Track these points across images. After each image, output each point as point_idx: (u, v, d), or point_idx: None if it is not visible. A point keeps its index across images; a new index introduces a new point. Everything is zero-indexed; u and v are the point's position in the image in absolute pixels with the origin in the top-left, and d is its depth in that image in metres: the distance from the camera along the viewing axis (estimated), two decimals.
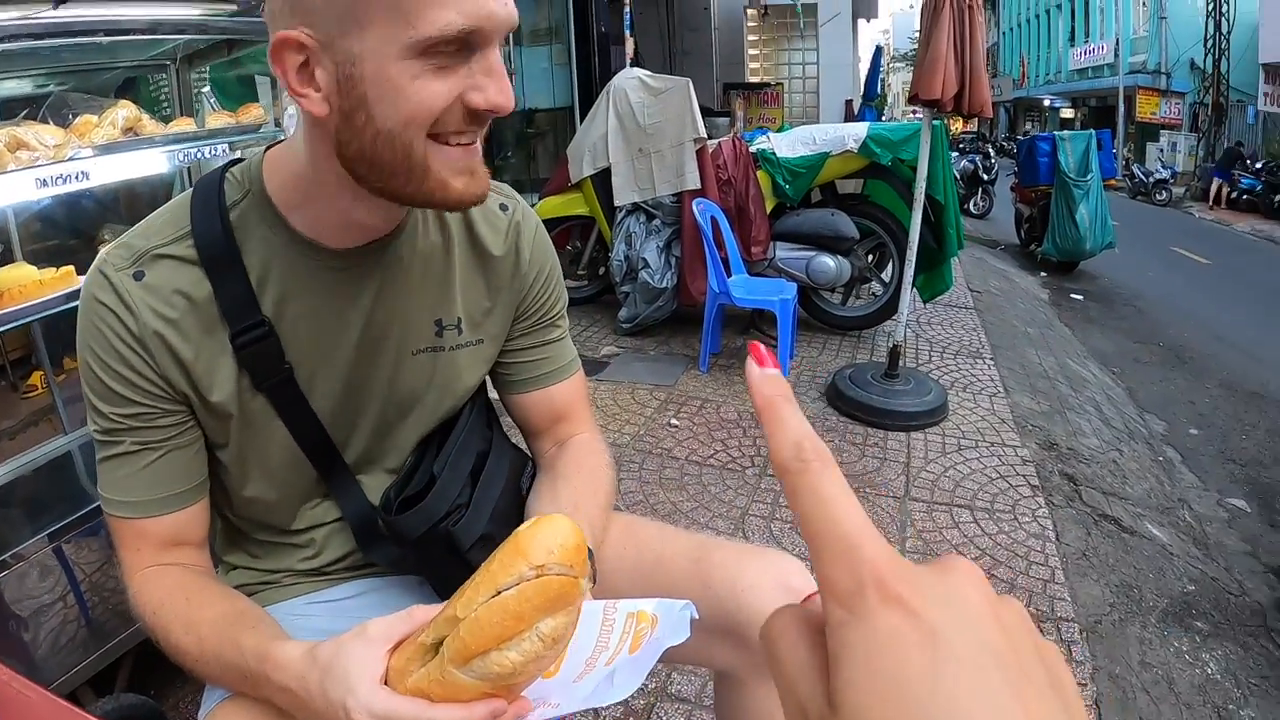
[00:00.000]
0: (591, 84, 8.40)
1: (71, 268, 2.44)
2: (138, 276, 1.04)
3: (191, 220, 1.07)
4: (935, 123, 4.69)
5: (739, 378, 5.03)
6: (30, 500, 2.34)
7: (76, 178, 2.32)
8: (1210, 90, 28.28)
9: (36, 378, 2.75)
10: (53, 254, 2.88)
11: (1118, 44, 33.33)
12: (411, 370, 1.22)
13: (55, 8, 2.31)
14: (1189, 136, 30.27)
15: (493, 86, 0.94)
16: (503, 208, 1.30)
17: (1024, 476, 4.11)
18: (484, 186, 1.03)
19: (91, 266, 1.08)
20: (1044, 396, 5.51)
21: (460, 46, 0.91)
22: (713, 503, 3.62)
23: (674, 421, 4.40)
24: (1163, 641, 3.23)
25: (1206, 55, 28.10)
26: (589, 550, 0.92)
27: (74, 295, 2.34)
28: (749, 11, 14.44)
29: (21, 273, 2.34)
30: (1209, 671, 3.14)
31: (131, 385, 1.05)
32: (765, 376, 0.43)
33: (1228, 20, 27.41)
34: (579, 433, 1.41)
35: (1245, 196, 22.30)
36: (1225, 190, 23.07)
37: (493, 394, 1.44)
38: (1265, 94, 26.81)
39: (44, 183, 2.26)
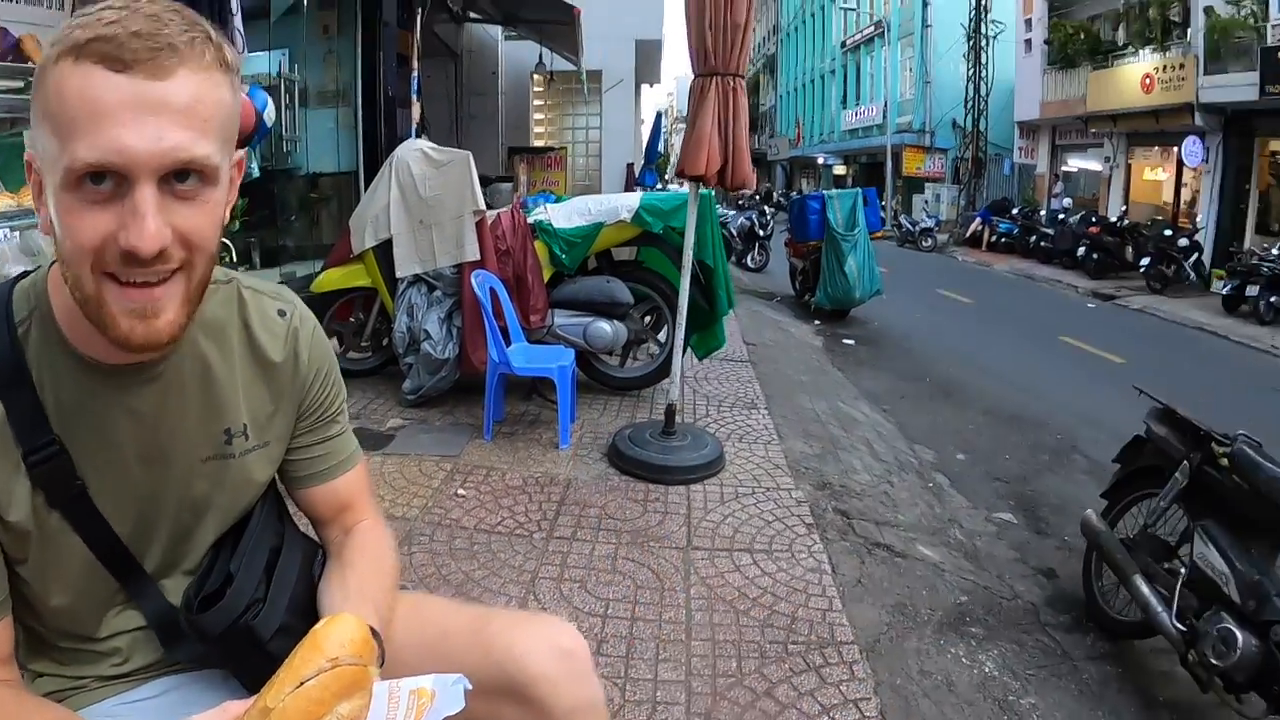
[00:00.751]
0: (377, 148, 8.34)
1: None
2: None
3: None
4: (705, 192, 4.99)
5: (523, 444, 5.14)
6: None
7: None
8: (970, 146, 31.07)
9: None
10: None
11: (886, 106, 36.27)
12: (202, 478, 1.24)
13: None
14: (951, 188, 33.22)
15: (132, 229, 0.92)
16: (281, 313, 1.33)
17: (799, 516, 4.37)
18: (161, 334, 1.01)
19: None
20: (816, 440, 5.85)
21: (109, 181, 0.91)
22: (503, 569, 3.67)
23: (461, 491, 4.41)
24: (939, 650, 3.52)
25: (967, 115, 30.98)
26: (377, 635, 1.08)
27: None
28: (535, 77, 14.63)
29: None
30: (987, 670, 3.45)
31: None
32: None
33: (986, 84, 30.39)
34: (363, 519, 1.47)
35: (1004, 240, 24.60)
36: (987, 234, 25.27)
37: (281, 487, 1.47)
38: (1020, 148, 29.55)
39: None
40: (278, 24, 7.12)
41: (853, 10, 41.68)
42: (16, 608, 1.15)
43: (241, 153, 1.13)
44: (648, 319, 6.16)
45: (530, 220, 5.76)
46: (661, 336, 6.11)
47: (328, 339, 1.43)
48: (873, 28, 40.97)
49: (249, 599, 1.26)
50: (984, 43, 30.57)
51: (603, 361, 6.07)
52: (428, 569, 3.65)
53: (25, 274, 1.14)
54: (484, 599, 3.40)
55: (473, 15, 12.38)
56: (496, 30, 13.74)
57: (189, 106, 0.94)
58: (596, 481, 4.65)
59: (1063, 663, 3.65)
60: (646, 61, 16.31)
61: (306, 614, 1.29)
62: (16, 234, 2.82)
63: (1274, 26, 17.11)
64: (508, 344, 5.17)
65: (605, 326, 5.66)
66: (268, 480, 1.37)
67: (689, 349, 6.00)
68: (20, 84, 2.87)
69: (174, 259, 0.98)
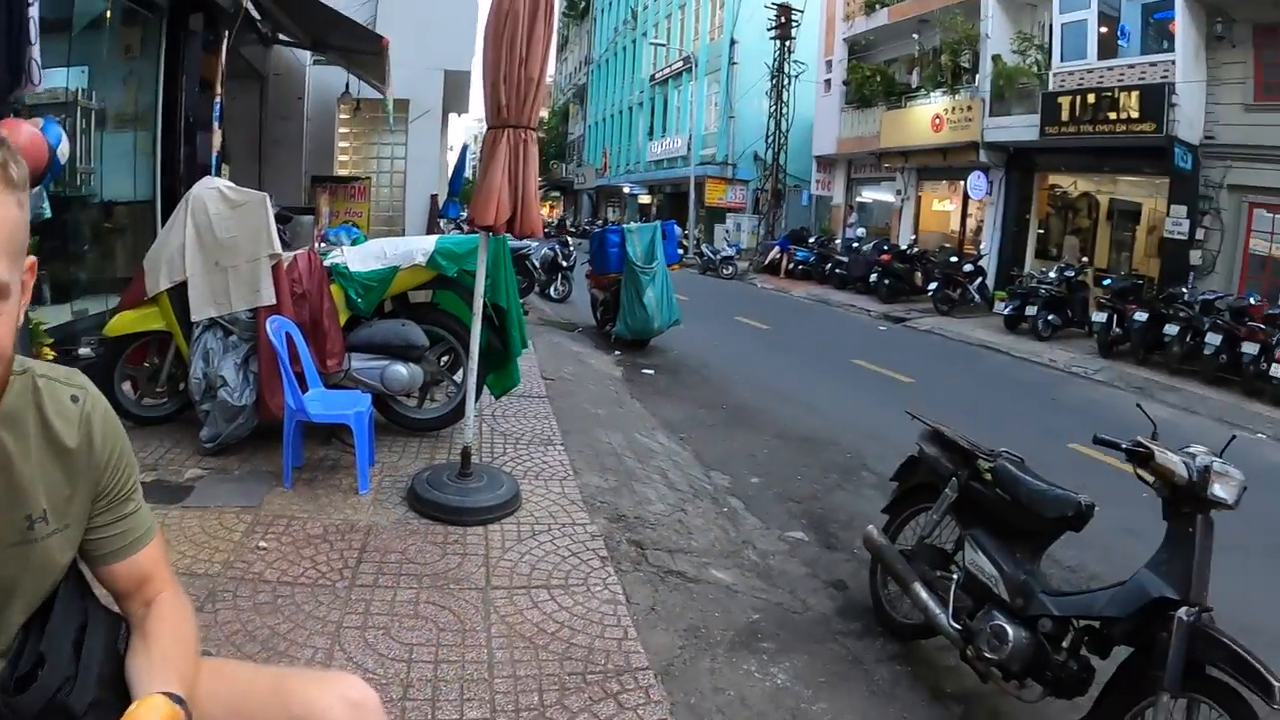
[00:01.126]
0: (176, 175, 8.14)
1: None
2: None
3: None
4: (501, 237, 5.19)
5: (323, 490, 5.10)
6: None
7: None
8: (770, 178, 32.86)
9: None
10: None
11: (691, 138, 37.58)
12: (6, 564, 1.28)
13: None
14: (752, 218, 35.03)
15: None
16: (74, 399, 1.39)
17: (593, 550, 4.59)
18: None
19: None
20: (611, 473, 6.07)
21: None
22: (308, 620, 3.66)
23: (263, 544, 4.36)
24: (732, 668, 3.81)
25: (768, 149, 32.73)
26: (183, 703, 1.26)
27: None
28: (341, 104, 14.41)
29: None
30: (779, 682, 3.77)
31: None
32: None
33: (787, 119, 32.20)
34: (162, 591, 1.54)
35: (801, 267, 25.97)
36: (786, 262, 26.60)
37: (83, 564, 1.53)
38: (817, 180, 31.29)
39: None
40: (79, 39, 6.84)
41: (663, 45, 43.28)
42: None
43: (32, 259, 1.24)
44: (444, 360, 6.25)
45: (326, 263, 5.78)
46: (458, 377, 6.18)
47: (117, 417, 1.51)
48: (681, 63, 42.24)
49: (61, 677, 1.33)
50: (786, 81, 32.54)
51: (400, 403, 6.10)
52: (233, 626, 3.59)
53: None
54: (290, 653, 3.41)
55: (282, 38, 12.12)
56: (305, 54, 13.48)
57: None
58: (396, 526, 4.69)
59: (854, 667, 4.02)
60: (455, 91, 16.27)
61: (116, 687, 1.40)
62: None
63: (1054, 74, 19.05)
64: (305, 389, 5.17)
65: (402, 369, 5.74)
66: (69, 562, 1.42)
67: (486, 388, 6.15)
68: None
69: None
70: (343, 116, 14.89)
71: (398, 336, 5.80)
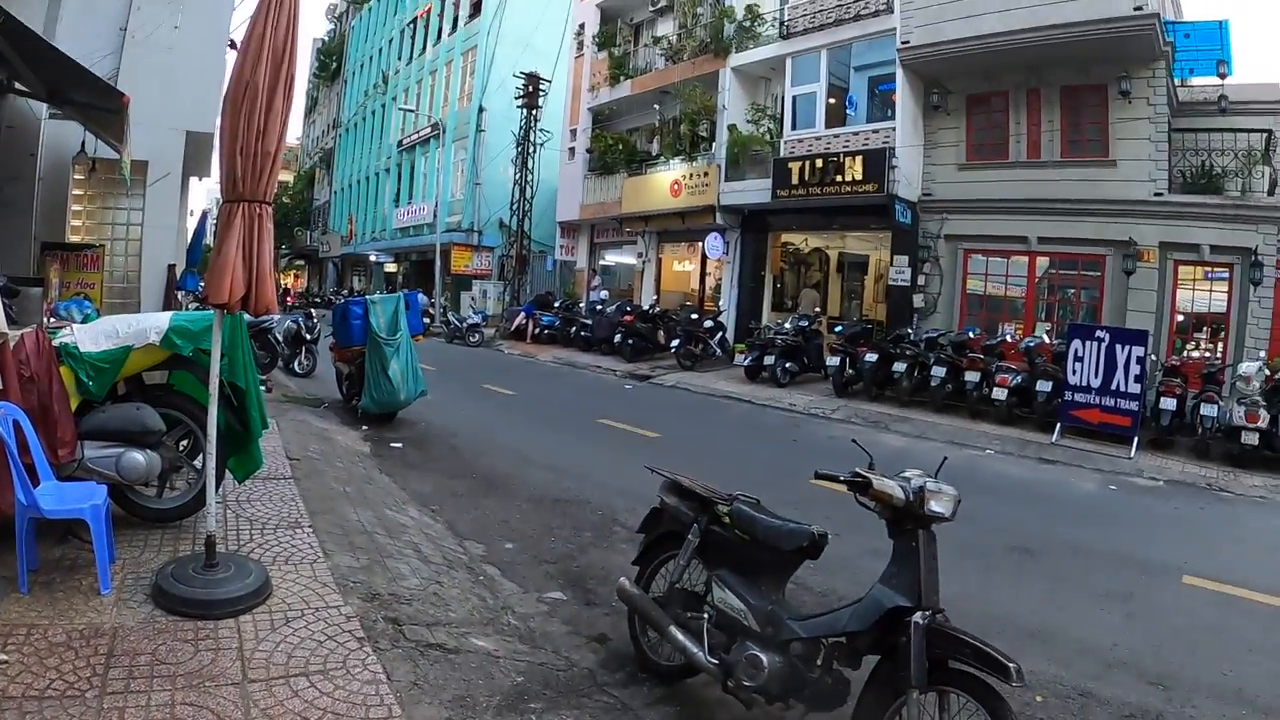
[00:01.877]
0: None
1: None
2: None
3: None
4: (238, 314, 5.11)
5: (63, 593, 4.76)
6: None
7: None
8: (516, 244, 33.68)
9: None
10: None
11: (437, 205, 37.77)
12: None
13: None
14: (498, 284, 35.49)
15: None
16: None
17: (349, 632, 4.55)
18: None
19: None
20: (363, 551, 6.03)
21: None
22: None
23: (3, 656, 4.00)
24: None
25: (513, 215, 33.73)
26: None
27: None
28: (76, 165, 13.61)
29: None
30: None
31: None
32: None
33: (532, 187, 33.36)
34: None
35: (547, 331, 26.81)
36: (531, 327, 27.34)
37: None
38: (561, 245, 32.47)
39: None
40: None
41: (412, 111, 43.52)
42: None
43: None
44: (183, 444, 6.05)
45: (55, 343, 5.44)
46: (199, 462, 5.95)
47: None
48: (430, 129, 42.71)
49: None
50: (532, 149, 33.54)
51: (139, 493, 5.84)
52: None
53: None
54: None
55: (17, 86, 11.36)
56: (41, 106, 12.67)
57: None
58: (144, 625, 4.45)
59: (624, 714, 4.25)
60: (197, 153, 15.66)
61: None
62: None
63: (785, 141, 21.04)
64: (36, 483, 4.87)
65: (139, 457, 5.46)
66: None
67: (228, 472, 6.03)
68: None
69: None
70: (77, 178, 14.01)
71: (133, 421, 5.52)
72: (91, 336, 5.60)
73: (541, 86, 33.82)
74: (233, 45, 16.40)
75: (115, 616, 4.57)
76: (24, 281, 8.42)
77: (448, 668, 4.45)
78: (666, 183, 25.24)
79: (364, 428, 11.76)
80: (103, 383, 5.51)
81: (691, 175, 24.38)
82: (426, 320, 20.88)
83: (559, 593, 5.93)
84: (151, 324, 5.70)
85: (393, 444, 10.86)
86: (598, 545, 7.01)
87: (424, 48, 46.85)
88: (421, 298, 14.18)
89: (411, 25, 48.75)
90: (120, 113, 9.96)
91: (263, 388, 6.58)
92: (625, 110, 29.51)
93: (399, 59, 50.45)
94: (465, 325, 28.66)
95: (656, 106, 27.30)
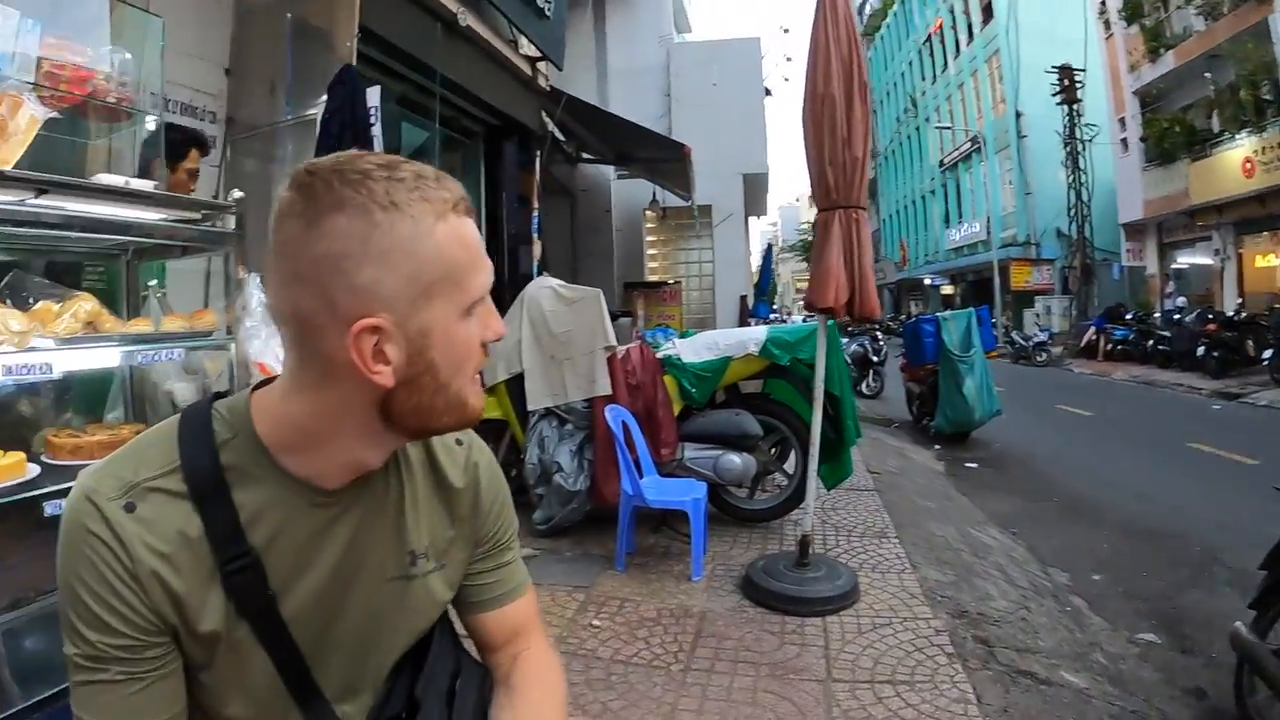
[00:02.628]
0: (500, 285, 8.52)
1: (21, 455, 2.46)
2: (129, 508, 1.06)
3: (180, 455, 1.10)
4: (831, 324, 5.04)
5: (655, 575, 5.14)
6: None
7: (40, 369, 2.38)
8: (1077, 254, 30.63)
9: None
10: None
11: (989, 221, 35.83)
12: (386, 598, 1.26)
13: (37, 196, 2.39)
14: (1062, 299, 32.75)
15: (495, 322, 1.13)
16: (458, 442, 1.38)
17: (938, 646, 4.25)
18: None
19: (75, 491, 1.08)
20: (949, 567, 5.71)
21: (482, 299, 1.11)
22: (642, 700, 3.61)
23: (595, 622, 4.40)
24: None
25: (1071, 222, 30.67)
26: None
27: (25, 485, 2.38)
28: (648, 213, 14.97)
29: None
30: None
31: (123, 618, 1.05)
32: None
33: (1087, 189, 30.10)
34: (531, 645, 1.47)
35: (1120, 347, 24.04)
36: (1103, 343, 24.73)
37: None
38: (1127, 250, 29.14)
39: (9, 370, 2.31)
40: None
41: (948, 128, 42.10)
42: (192, 714, 1.16)
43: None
44: (775, 450, 6.19)
45: (659, 355, 5.89)
46: (788, 467, 6.14)
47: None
48: (969, 144, 41.31)
49: None
50: (1080, 147, 30.54)
51: (731, 494, 6.08)
52: None
53: (217, 395, 1.20)
54: None
55: (585, 156, 12.84)
56: (609, 170, 14.17)
57: None
58: (731, 613, 4.60)
59: None
60: (754, 194, 16.60)
61: None
62: (181, 353, 2.98)
63: None
64: (640, 477, 5.22)
65: (735, 459, 5.71)
66: (446, 601, 1.39)
67: (819, 479, 5.97)
68: (198, 215, 3.09)
69: None
70: (649, 225, 15.47)
71: (732, 426, 5.79)
72: (694, 349, 6.00)
73: (1077, 78, 30.86)
74: (768, 92, 17.16)
75: (704, 601, 4.77)
76: (613, 315, 9.29)
77: (1038, 699, 3.98)
78: (1236, 162, 21.50)
79: (936, 447, 11.43)
80: (704, 390, 5.87)
81: (1264, 149, 20.44)
82: (995, 335, 19.92)
83: (1151, 634, 5.12)
84: (749, 336, 5.97)
85: (967, 464, 10.42)
86: (1196, 585, 5.99)
87: (945, 63, 45.88)
88: (989, 314, 13.52)
89: (927, 44, 48.04)
90: (683, 162, 10.68)
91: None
92: (1174, 86, 25.64)
93: (922, 79, 49.83)
94: (1031, 344, 27.09)
95: (1207, 75, 23.13)
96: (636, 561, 5.37)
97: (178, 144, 3.95)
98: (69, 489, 2.17)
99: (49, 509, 2.39)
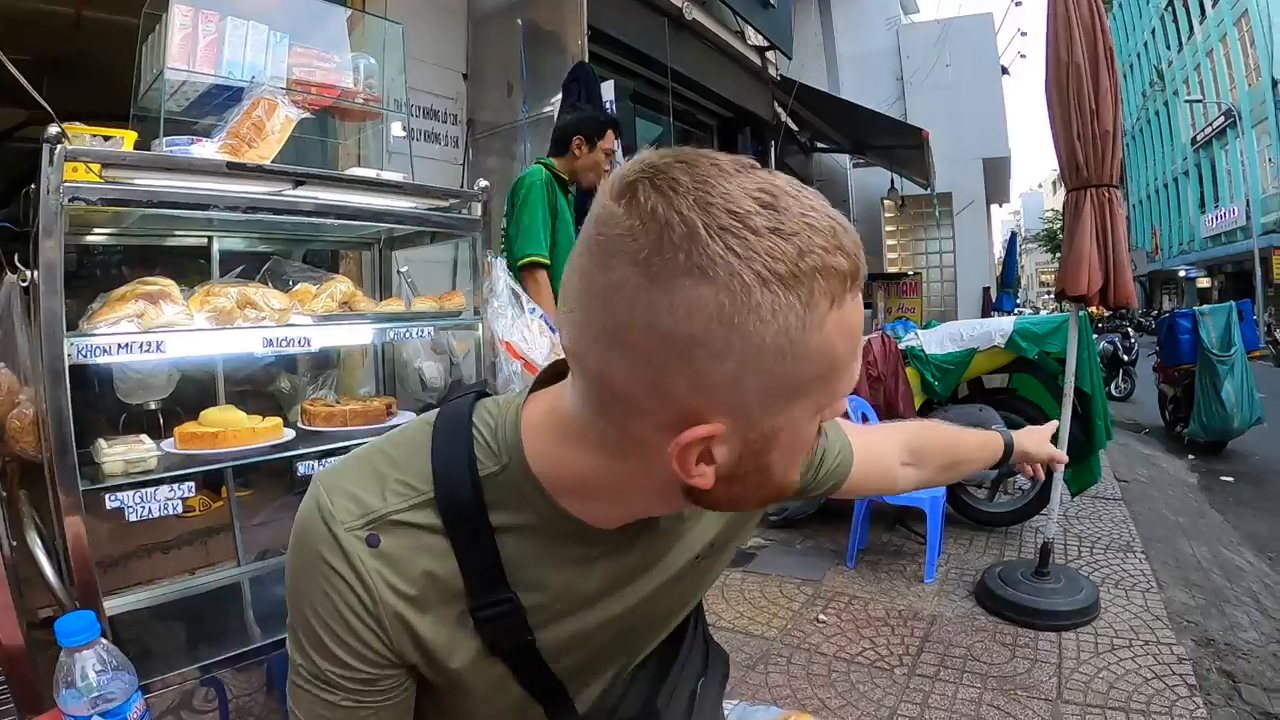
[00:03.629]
0: None
1: (279, 420, 2.73)
2: (371, 542, 0.94)
3: (436, 484, 0.96)
4: (1082, 314, 4.82)
5: (886, 574, 5.08)
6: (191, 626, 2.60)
7: (299, 342, 2.61)
8: None
9: (195, 500, 3.01)
10: (242, 399, 3.19)
11: (1248, 205, 32.90)
12: (656, 597, 1.14)
13: (294, 187, 2.66)
14: None
15: (843, 402, 0.86)
16: None
17: (1180, 676, 4.00)
18: None
19: (310, 500, 0.98)
20: (1198, 590, 5.34)
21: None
22: (861, 701, 3.60)
23: (822, 617, 4.42)
24: None
25: None
26: None
27: (282, 446, 2.65)
28: (886, 202, 14.77)
29: (233, 416, 2.63)
30: None
31: (358, 655, 0.96)
32: None
33: None
34: (903, 432, 1.64)
35: None
36: None
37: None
38: None
39: (270, 343, 2.55)
40: None
41: (1198, 101, 38.71)
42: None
43: None
44: None
45: (902, 346, 5.80)
46: None
47: None
48: (1222, 118, 37.66)
49: None
50: None
51: (970, 494, 5.93)
52: (783, 690, 3.64)
53: (480, 396, 1.07)
54: None
55: (820, 145, 12.75)
56: (844, 159, 14.02)
57: None
58: (962, 620, 4.48)
59: None
60: (995, 180, 16.06)
61: None
62: (430, 331, 3.16)
63: None
64: None
65: None
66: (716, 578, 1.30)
67: (1063, 483, 5.73)
68: (445, 202, 3.26)
69: None
70: (888, 215, 15.21)
71: (974, 421, 5.53)
72: (937, 340, 5.84)
73: None
74: (1005, 71, 16.46)
75: (935, 605, 4.68)
76: None
77: None
78: None
79: (1189, 456, 10.66)
80: (947, 383, 5.73)
81: None
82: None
83: None
84: (996, 327, 5.74)
85: (1223, 477, 9.65)
86: None
87: (1190, 29, 41.94)
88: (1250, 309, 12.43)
89: (1169, 8, 44.19)
90: (921, 148, 10.42)
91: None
92: None
93: (1167, 48, 45.95)
94: None
95: None
96: (868, 559, 5.32)
97: (600, 124, 4.38)
98: (321, 451, 2.44)
99: (301, 469, 2.62)
